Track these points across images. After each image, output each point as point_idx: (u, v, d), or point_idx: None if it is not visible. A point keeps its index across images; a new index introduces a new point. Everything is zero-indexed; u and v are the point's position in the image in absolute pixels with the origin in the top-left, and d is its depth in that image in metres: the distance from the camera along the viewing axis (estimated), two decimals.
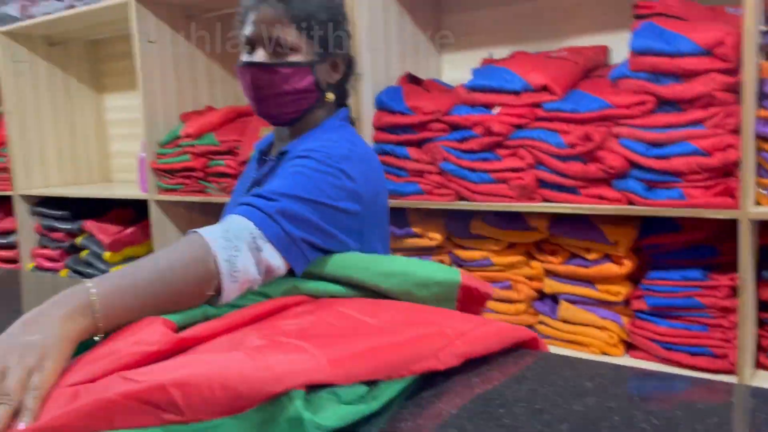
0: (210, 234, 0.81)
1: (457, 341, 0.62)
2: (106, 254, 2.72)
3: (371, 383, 0.56)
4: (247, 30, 1.09)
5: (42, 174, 3.08)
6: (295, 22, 1.06)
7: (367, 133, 1.97)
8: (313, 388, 0.51)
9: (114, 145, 3.36)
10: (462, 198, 1.85)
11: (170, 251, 0.80)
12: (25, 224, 3.02)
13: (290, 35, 1.06)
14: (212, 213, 2.73)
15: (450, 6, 2.25)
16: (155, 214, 2.53)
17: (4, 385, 0.53)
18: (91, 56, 3.27)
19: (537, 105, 1.71)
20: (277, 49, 1.06)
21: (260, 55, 1.07)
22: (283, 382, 0.50)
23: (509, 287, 1.85)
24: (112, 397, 0.47)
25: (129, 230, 2.78)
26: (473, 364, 0.64)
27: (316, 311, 0.70)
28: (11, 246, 3.12)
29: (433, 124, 1.87)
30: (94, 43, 3.24)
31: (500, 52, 2.10)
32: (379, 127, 1.98)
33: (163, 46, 2.52)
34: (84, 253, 2.81)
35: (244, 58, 1.10)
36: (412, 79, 2.11)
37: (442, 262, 1.96)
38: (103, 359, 0.59)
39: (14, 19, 2.88)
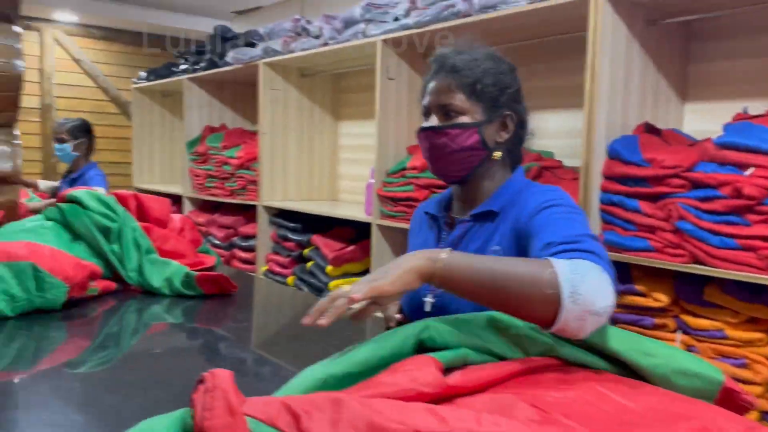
0: (554, 259, 0.86)
1: None
2: (329, 268, 2.99)
3: None
4: (425, 100, 1.22)
5: (283, 188, 3.48)
6: (462, 89, 1.17)
7: (594, 180, 1.93)
8: None
9: (343, 167, 3.67)
10: (698, 261, 1.72)
11: (516, 258, 0.90)
12: (264, 231, 3.43)
13: (458, 100, 1.17)
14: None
15: (699, 54, 2.12)
16: (376, 236, 2.72)
17: (351, 288, 0.82)
18: (335, 87, 3.62)
19: None
20: (447, 114, 1.18)
21: (433, 121, 1.19)
22: None
23: (745, 365, 1.68)
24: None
25: (350, 248, 3.01)
26: None
27: (575, 385, 0.71)
28: (251, 249, 3.56)
29: (671, 179, 1.77)
30: (338, 75, 3.59)
31: (754, 107, 1.92)
32: (609, 176, 1.92)
33: (400, 82, 2.71)
34: (309, 264, 3.11)
35: (422, 124, 1.21)
36: (650, 129, 2.01)
37: (665, 326, 1.84)
38: (384, 387, 0.67)
39: (276, 53, 3.30)
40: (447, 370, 0.77)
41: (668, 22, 2.02)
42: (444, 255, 0.88)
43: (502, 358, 0.83)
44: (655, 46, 2.04)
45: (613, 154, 1.92)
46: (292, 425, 0.55)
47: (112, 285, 1.38)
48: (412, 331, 0.80)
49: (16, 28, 1.74)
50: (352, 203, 3.52)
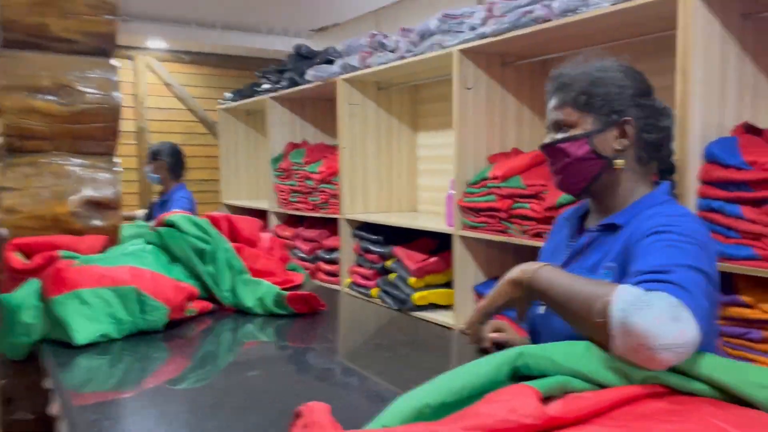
0: (624, 287, 0.85)
1: None
2: (411, 279, 2.99)
3: None
4: (546, 121, 1.27)
5: (363, 201, 3.52)
6: (571, 102, 1.19)
7: (690, 186, 1.83)
8: None
9: (422, 178, 3.67)
10: None
11: (593, 280, 0.96)
12: (347, 244, 3.48)
13: (566, 114, 1.20)
14: (512, 253, 2.80)
15: None
16: (458, 248, 2.69)
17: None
18: (412, 98, 3.64)
19: None
20: (560, 129, 1.21)
21: (549, 137, 1.23)
22: None
23: None
24: None
25: (432, 259, 3.00)
26: None
27: (687, 416, 0.67)
28: (334, 261, 3.62)
29: None
30: (414, 87, 3.60)
31: None
32: (707, 181, 1.82)
33: (478, 92, 2.69)
34: (392, 276, 3.12)
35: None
36: (751, 129, 1.89)
37: None
38: (482, 418, 0.66)
39: (354, 69, 3.36)
40: (546, 399, 0.75)
41: (765, 15, 1.89)
42: (536, 267, 1.00)
43: (602, 386, 0.80)
44: (753, 41, 1.92)
45: (710, 158, 1.81)
46: None
47: (209, 305, 1.44)
48: (507, 358, 0.79)
49: (113, 62, 1.85)
50: (432, 214, 3.51)
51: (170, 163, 3.80)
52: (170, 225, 1.50)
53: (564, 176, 1.21)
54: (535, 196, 2.36)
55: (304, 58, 3.84)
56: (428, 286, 3.04)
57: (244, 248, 1.63)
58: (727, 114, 1.90)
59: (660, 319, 0.78)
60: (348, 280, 3.47)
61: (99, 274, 1.28)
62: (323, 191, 3.67)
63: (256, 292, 1.43)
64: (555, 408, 0.69)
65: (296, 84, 3.84)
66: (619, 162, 1.18)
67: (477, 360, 0.79)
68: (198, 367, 1.14)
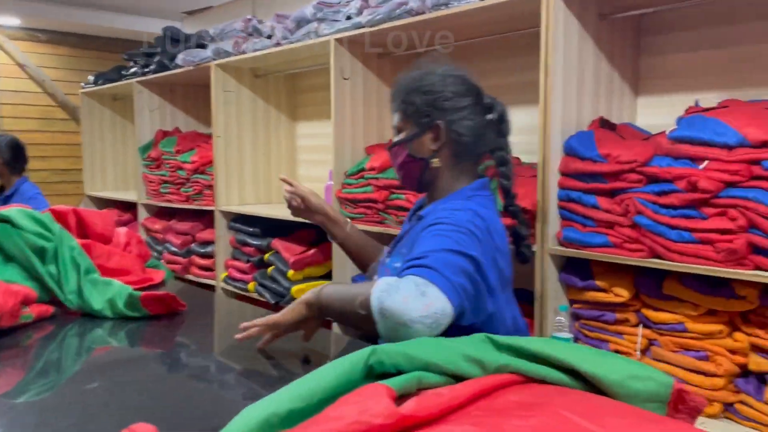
0: (381, 279, 1.02)
1: None
2: (290, 272, 2.92)
3: None
4: None
5: (239, 192, 3.39)
6: (398, 110, 1.35)
7: (552, 177, 1.91)
8: None
9: (301, 169, 3.60)
10: (656, 256, 1.72)
11: (356, 285, 1.14)
12: (222, 237, 3.35)
13: (398, 120, 1.36)
14: (388, 243, 2.81)
15: (650, 48, 2.12)
16: None
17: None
18: (290, 87, 3.54)
19: (755, 162, 1.54)
20: (397, 134, 1.37)
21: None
22: None
23: (706, 358, 1.68)
24: None
25: (311, 252, 2.95)
26: None
27: (536, 411, 0.67)
28: (209, 255, 3.47)
29: (628, 175, 1.76)
30: (293, 75, 3.51)
31: (705, 99, 1.93)
32: (566, 173, 1.91)
33: (355, 82, 2.66)
34: (270, 269, 3.04)
35: None
36: (605, 124, 2.01)
37: (627, 320, 1.83)
38: (331, 422, 0.62)
39: (228, 54, 3.21)
40: (401, 397, 0.72)
41: (619, 16, 2.01)
42: (321, 287, 1.09)
43: (458, 378, 0.79)
44: (608, 41, 2.03)
45: (570, 151, 1.90)
46: None
47: (49, 309, 1.30)
48: (359, 357, 0.76)
49: None
50: None
51: (8, 158, 3.48)
52: (4, 220, 1.33)
53: (400, 175, 1.39)
54: None
55: (174, 41, 3.63)
56: (307, 279, 2.98)
57: (95, 245, 1.50)
58: (585, 109, 2.01)
59: (407, 297, 0.95)
60: (224, 274, 3.34)
61: None
62: (196, 182, 3.49)
63: (106, 294, 1.31)
64: (408, 407, 0.67)
65: (166, 68, 3.62)
66: (435, 161, 1.33)
67: (332, 361, 0.75)
68: (31, 380, 1.01)
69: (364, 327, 1.00)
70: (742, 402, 1.64)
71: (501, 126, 1.42)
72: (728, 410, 1.68)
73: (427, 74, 1.33)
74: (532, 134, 2.43)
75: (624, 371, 0.77)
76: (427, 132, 1.31)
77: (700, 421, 1.64)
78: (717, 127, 1.61)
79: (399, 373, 0.78)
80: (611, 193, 1.81)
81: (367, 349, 0.77)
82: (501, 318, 1.26)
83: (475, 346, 0.79)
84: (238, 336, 1.08)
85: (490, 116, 1.38)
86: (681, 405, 0.75)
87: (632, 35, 2.12)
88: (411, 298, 0.95)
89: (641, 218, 1.71)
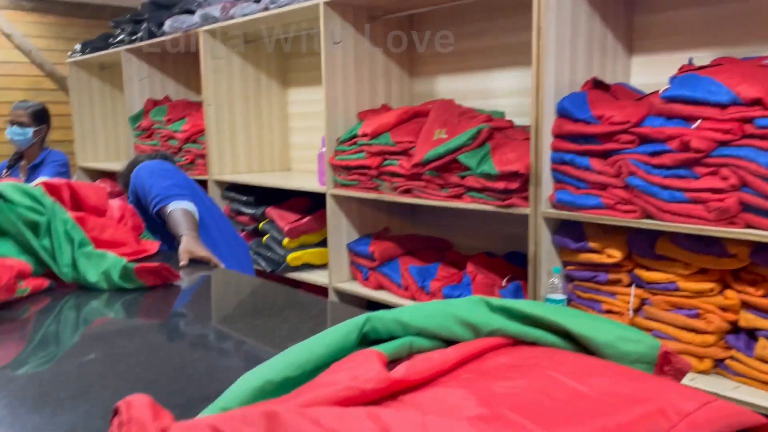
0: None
1: (680, 425, 0.57)
2: (285, 240, 2.93)
3: None
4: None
5: (233, 161, 3.37)
6: None
7: (545, 140, 1.91)
8: None
9: (294, 136, 3.58)
10: (649, 216, 1.73)
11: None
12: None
13: None
14: (383, 209, 2.82)
15: (644, 5, 2.09)
16: (331, 206, 2.66)
17: None
18: (280, 53, 3.49)
19: (747, 120, 1.53)
20: None
21: None
22: None
23: (697, 316, 1.70)
24: None
25: (306, 219, 2.96)
26: None
27: (524, 372, 0.69)
28: None
29: (620, 135, 1.76)
30: (283, 41, 3.46)
31: (700, 57, 1.92)
32: (559, 135, 1.90)
33: (346, 47, 2.62)
34: (265, 238, 3.04)
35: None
36: (598, 85, 1.99)
37: (620, 281, 1.85)
38: (323, 388, 0.63)
39: (215, 20, 3.16)
40: (393, 362, 0.73)
41: None
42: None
43: (450, 342, 0.80)
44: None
45: (563, 112, 1.90)
46: None
47: (45, 283, 1.30)
48: (354, 325, 0.76)
49: None
50: (305, 173, 3.44)
51: (45, 127, 3.48)
52: None
53: None
54: (403, 153, 2.36)
55: (161, 7, 3.56)
56: (302, 246, 2.99)
57: (89, 218, 1.49)
58: (579, 70, 1.99)
59: None
60: None
61: None
62: (189, 151, 3.47)
63: (101, 266, 1.31)
64: (399, 371, 0.68)
65: (154, 36, 3.56)
66: None
67: (326, 330, 0.76)
68: (30, 353, 1.02)
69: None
70: (732, 358, 1.67)
71: None
72: (719, 366, 1.71)
73: None
74: (524, 96, 2.42)
75: (614, 333, 0.78)
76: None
77: (691, 377, 1.68)
78: (710, 85, 1.60)
79: (393, 339, 0.79)
80: (604, 155, 1.81)
81: (362, 317, 0.78)
82: None
83: (469, 309, 0.80)
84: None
85: None
86: (667, 367, 0.76)
87: None
88: None
89: (634, 179, 1.71)
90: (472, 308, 0.82)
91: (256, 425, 0.54)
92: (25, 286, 1.24)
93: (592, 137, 1.82)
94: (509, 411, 0.58)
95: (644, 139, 1.72)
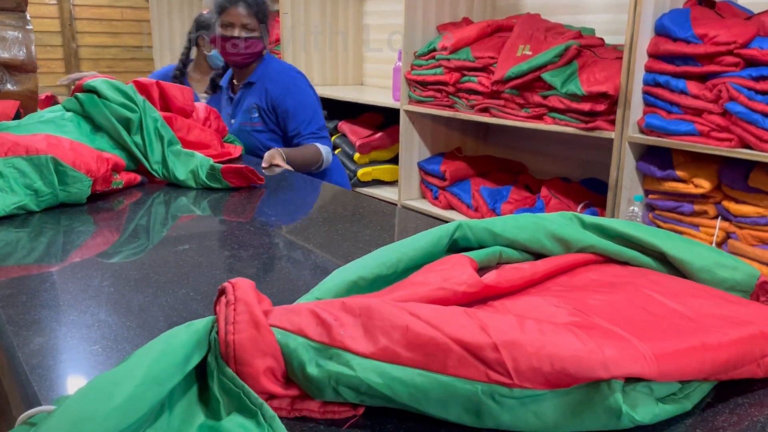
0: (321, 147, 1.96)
1: None
2: (356, 155, 2.94)
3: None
4: (229, 17, 2.00)
5: (306, 72, 3.35)
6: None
7: (639, 60, 1.80)
8: (630, 379, 0.50)
9: (369, 50, 3.51)
10: (746, 146, 1.63)
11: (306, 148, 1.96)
12: None
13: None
14: (458, 128, 2.76)
15: None
16: (404, 123, 2.63)
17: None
18: None
19: None
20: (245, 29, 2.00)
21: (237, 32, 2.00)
22: (610, 369, 0.49)
23: None
24: (449, 344, 0.50)
25: (377, 135, 2.94)
26: None
27: (620, 288, 0.67)
28: None
29: (724, 57, 1.63)
30: None
31: None
32: (655, 55, 1.79)
33: None
34: (337, 152, 3.06)
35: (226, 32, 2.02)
36: (704, 1, 1.84)
37: (706, 212, 1.78)
38: (416, 287, 0.64)
39: None
40: (483, 269, 0.73)
41: None
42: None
43: (540, 256, 0.79)
44: None
45: (661, 30, 1.77)
46: (323, 334, 0.52)
47: (137, 177, 1.36)
48: (445, 231, 0.76)
49: None
50: (379, 88, 3.40)
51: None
52: (90, 90, 1.37)
53: (244, 59, 2.01)
54: (483, 69, 2.29)
55: None
56: (373, 162, 3.00)
57: (177, 118, 1.53)
58: None
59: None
60: None
61: (11, 142, 1.17)
62: None
63: (189, 165, 1.35)
64: (490, 277, 0.68)
65: None
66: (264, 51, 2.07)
67: (417, 234, 0.76)
68: (126, 241, 1.08)
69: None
70: None
71: None
72: None
73: None
74: (619, 12, 2.27)
75: (711, 258, 0.75)
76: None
77: None
78: None
79: (482, 248, 0.79)
80: (703, 78, 1.70)
81: (454, 224, 0.77)
82: None
83: (561, 223, 0.78)
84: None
85: None
86: (763, 297, 0.74)
87: None
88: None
89: (734, 105, 1.61)
90: (565, 223, 0.80)
91: (355, 314, 0.55)
92: (120, 179, 1.30)
93: (691, 58, 1.70)
94: (604, 321, 0.57)
95: (750, 62, 1.59)
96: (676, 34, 1.72)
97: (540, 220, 0.78)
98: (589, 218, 0.80)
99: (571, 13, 2.44)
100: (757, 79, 1.57)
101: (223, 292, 0.57)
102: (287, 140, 2.03)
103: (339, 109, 3.15)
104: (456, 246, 0.78)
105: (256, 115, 2.02)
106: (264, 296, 0.59)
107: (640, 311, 0.61)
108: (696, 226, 1.80)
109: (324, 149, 1.99)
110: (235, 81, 2.12)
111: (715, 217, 1.77)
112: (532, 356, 0.49)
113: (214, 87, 2.24)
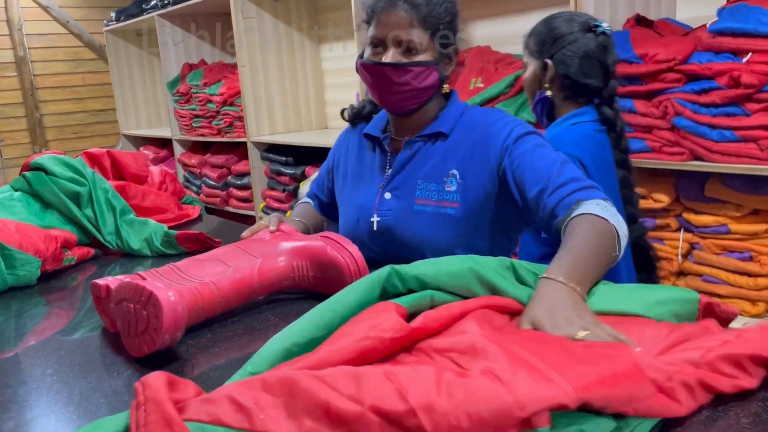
0: (598, 212, 0.94)
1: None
2: None
3: (618, 417, 0.54)
4: (377, 31, 1.12)
5: (270, 121, 3.38)
6: (421, 24, 1.10)
7: None
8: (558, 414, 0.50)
9: (328, 93, 3.55)
10: (697, 158, 1.65)
11: (585, 231, 0.92)
12: (257, 168, 3.37)
13: (417, 36, 1.10)
14: None
15: None
16: None
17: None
18: (311, 8, 3.44)
19: None
20: (407, 51, 1.11)
21: (391, 56, 1.11)
22: (526, 408, 0.50)
23: (750, 258, 1.64)
24: (370, 418, 0.50)
25: None
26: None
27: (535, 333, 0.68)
28: (246, 187, 3.51)
29: (666, 74, 1.67)
30: None
31: None
32: None
33: None
34: None
35: (372, 57, 1.14)
36: (642, 21, 1.89)
37: (669, 226, 1.80)
38: (344, 338, 0.64)
39: None
40: (414, 314, 0.73)
41: None
42: (571, 285, 0.79)
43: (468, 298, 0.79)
44: None
45: None
46: (243, 420, 0.51)
47: (90, 251, 1.34)
48: (377, 280, 0.76)
49: None
50: (342, 130, 3.42)
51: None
52: (38, 168, 1.36)
53: (404, 99, 1.14)
54: None
55: None
56: None
57: (130, 186, 1.52)
58: (620, 7, 1.89)
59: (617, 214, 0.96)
60: (261, 205, 3.39)
61: None
62: (227, 114, 3.49)
63: (143, 233, 1.34)
64: (417, 320, 0.68)
65: None
66: (447, 87, 1.18)
67: (347, 288, 0.76)
68: (80, 320, 1.06)
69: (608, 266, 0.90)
70: None
71: None
72: None
73: None
74: None
75: (643, 300, 0.76)
76: (447, 56, 1.18)
77: (743, 321, 1.63)
78: (762, 15, 1.49)
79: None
80: (649, 96, 1.73)
81: (384, 271, 0.77)
82: None
83: (497, 273, 0.79)
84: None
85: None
86: (711, 318, 0.74)
87: None
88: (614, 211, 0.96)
89: (680, 119, 1.64)
90: (501, 273, 0.80)
91: (276, 393, 0.54)
92: (72, 255, 1.28)
93: (635, 78, 1.73)
94: (532, 356, 0.58)
95: (691, 77, 1.63)
96: (619, 56, 1.76)
97: (475, 267, 0.77)
98: (526, 268, 0.80)
99: (520, 43, 2.48)
100: (699, 92, 1.61)
101: (136, 392, 0.56)
102: None
103: (305, 155, 3.16)
104: (387, 294, 0.78)
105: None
106: (187, 384, 0.58)
107: (556, 345, 0.61)
108: (661, 240, 1.82)
109: None
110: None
111: (678, 230, 1.79)
112: (450, 415, 0.49)
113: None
